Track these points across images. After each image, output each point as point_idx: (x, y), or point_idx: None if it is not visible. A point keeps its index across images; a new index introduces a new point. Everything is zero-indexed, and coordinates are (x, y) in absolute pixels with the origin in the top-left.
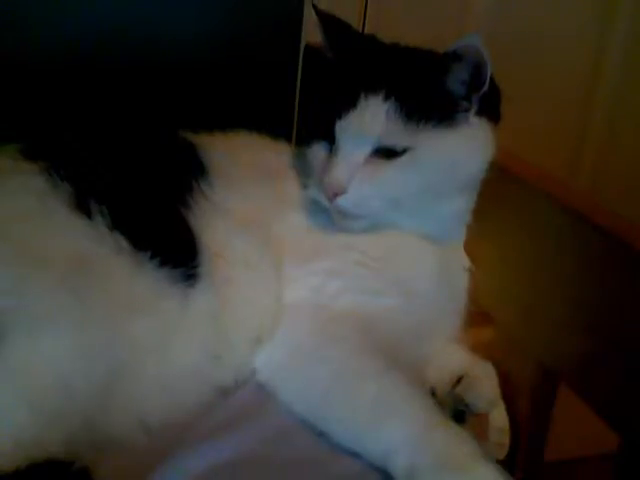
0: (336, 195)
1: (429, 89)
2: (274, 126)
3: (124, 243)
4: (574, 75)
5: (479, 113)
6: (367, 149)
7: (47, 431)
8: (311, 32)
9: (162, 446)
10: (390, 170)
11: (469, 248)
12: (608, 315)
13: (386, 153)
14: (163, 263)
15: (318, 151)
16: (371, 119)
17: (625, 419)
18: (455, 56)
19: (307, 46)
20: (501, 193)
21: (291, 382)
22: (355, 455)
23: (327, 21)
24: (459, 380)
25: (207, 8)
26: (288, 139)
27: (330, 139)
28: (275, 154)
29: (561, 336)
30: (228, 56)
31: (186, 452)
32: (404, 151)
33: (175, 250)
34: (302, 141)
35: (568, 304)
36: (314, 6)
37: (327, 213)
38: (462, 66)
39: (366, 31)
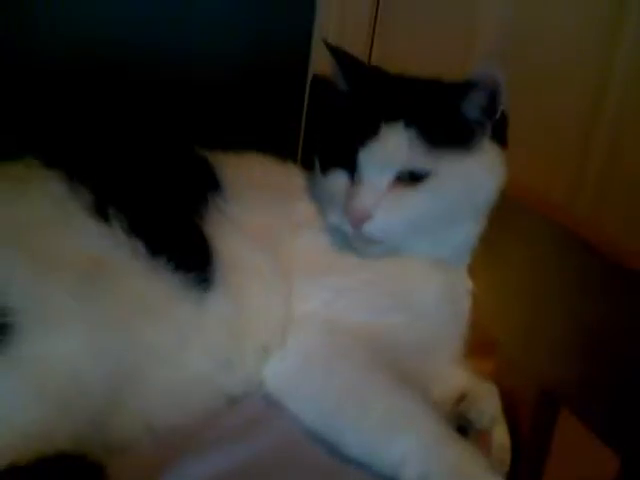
0: (361, 222)
1: (449, 116)
2: (279, 149)
3: (140, 247)
4: (577, 98)
5: (491, 138)
6: (390, 176)
7: (56, 427)
8: (318, 62)
9: (169, 450)
10: (414, 195)
11: (471, 272)
12: (608, 338)
13: (409, 179)
14: (178, 268)
15: (338, 179)
16: (394, 147)
17: (624, 442)
18: (474, 84)
19: (314, 76)
20: (502, 218)
21: (301, 392)
22: (362, 466)
23: (339, 55)
24: (462, 398)
25: (219, 33)
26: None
27: (350, 167)
28: (286, 175)
29: (561, 359)
30: (235, 80)
31: (192, 458)
32: (426, 176)
33: (190, 255)
34: (311, 167)
35: (569, 327)
36: (325, 42)
37: (339, 233)
38: (480, 93)
39: (372, 61)
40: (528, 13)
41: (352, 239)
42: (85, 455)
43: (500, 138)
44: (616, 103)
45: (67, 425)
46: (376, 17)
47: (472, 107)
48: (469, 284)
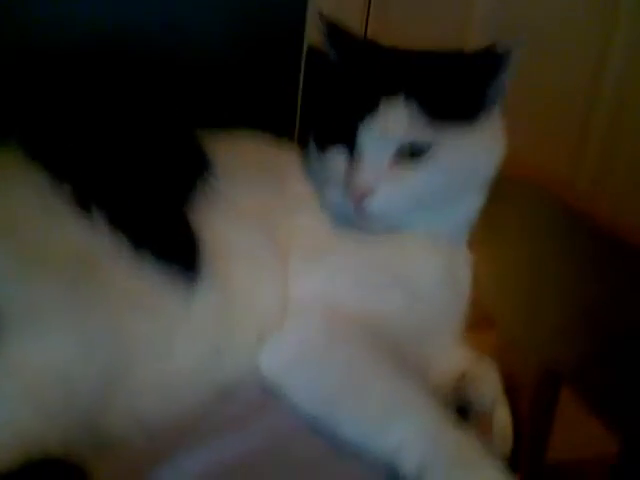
0: (363, 198)
1: (456, 89)
2: (275, 127)
3: (124, 241)
4: (577, 74)
5: (495, 109)
6: (391, 150)
7: (46, 429)
8: (314, 33)
9: (162, 446)
10: (417, 169)
11: (471, 250)
12: (609, 316)
13: (411, 153)
14: (163, 260)
15: (337, 156)
16: (394, 121)
17: (625, 421)
18: (505, 61)
19: (310, 48)
20: (502, 195)
21: (300, 378)
22: (358, 455)
23: (332, 28)
24: (462, 378)
25: (210, 9)
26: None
27: (349, 144)
28: (281, 153)
29: (562, 337)
30: (229, 57)
31: (186, 452)
32: (429, 149)
33: (176, 247)
34: (307, 145)
35: (569, 305)
36: (320, 15)
37: (338, 212)
38: (510, 67)
39: (368, 34)
40: None
41: (354, 216)
42: (68, 459)
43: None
44: (615, 79)
45: (57, 426)
46: None
47: (504, 79)
48: (469, 260)
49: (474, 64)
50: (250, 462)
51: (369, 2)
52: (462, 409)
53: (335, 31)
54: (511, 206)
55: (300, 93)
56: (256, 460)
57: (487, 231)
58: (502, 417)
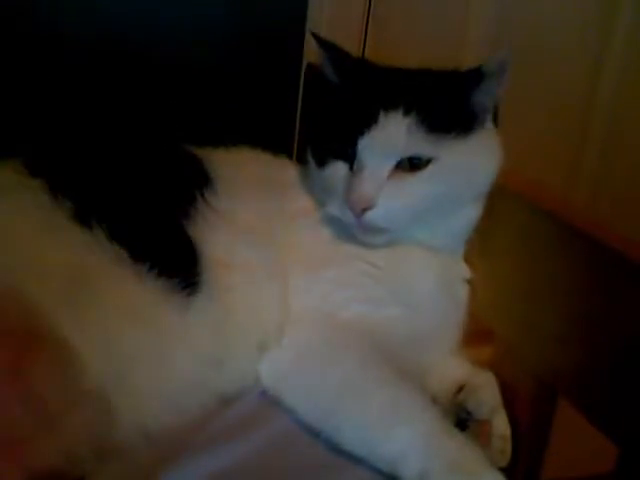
0: (364, 210)
1: (450, 104)
2: (274, 143)
3: (123, 254)
4: (573, 86)
5: (490, 120)
6: (391, 163)
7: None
8: (312, 51)
9: (163, 454)
10: (416, 181)
11: (468, 262)
12: (606, 328)
13: (410, 165)
14: (163, 273)
15: (337, 170)
16: (393, 134)
17: (623, 431)
18: (489, 72)
19: (309, 65)
20: (498, 208)
21: (298, 387)
22: (359, 462)
23: (329, 48)
24: (460, 388)
25: (209, 24)
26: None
27: (349, 158)
28: (279, 168)
29: (559, 349)
30: (228, 73)
31: (187, 460)
32: (428, 162)
33: (175, 260)
34: (306, 160)
35: (566, 317)
36: (315, 35)
37: (337, 224)
38: (493, 81)
39: (366, 49)
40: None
41: (354, 229)
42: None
43: (494, 118)
44: (612, 91)
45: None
46: (370, 5)
47: (483, 94)
48: (466, 273)
49: (466, 80)
50: (252, 469)
51: (367, 16)
52: (461, 420)
53: (333, 50)
54: (509, 221)
55: (299, 110)
56: (257, 467)
57: (485, 245)
58: (500, 427)
